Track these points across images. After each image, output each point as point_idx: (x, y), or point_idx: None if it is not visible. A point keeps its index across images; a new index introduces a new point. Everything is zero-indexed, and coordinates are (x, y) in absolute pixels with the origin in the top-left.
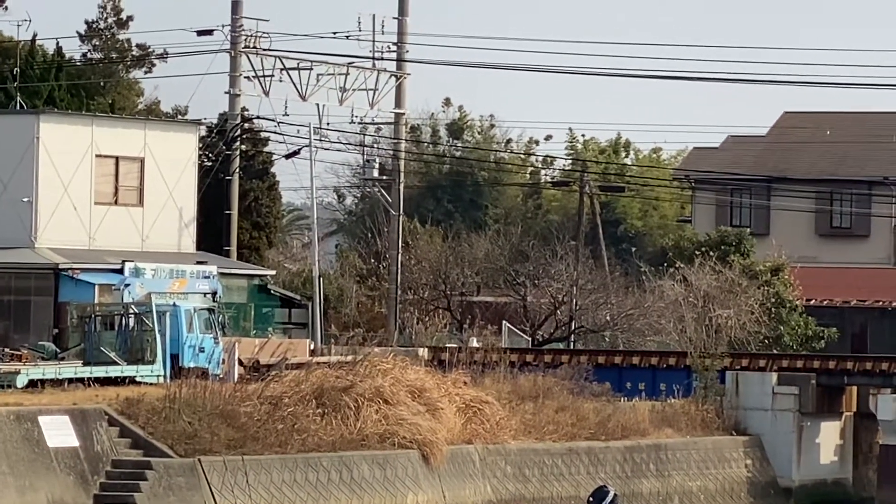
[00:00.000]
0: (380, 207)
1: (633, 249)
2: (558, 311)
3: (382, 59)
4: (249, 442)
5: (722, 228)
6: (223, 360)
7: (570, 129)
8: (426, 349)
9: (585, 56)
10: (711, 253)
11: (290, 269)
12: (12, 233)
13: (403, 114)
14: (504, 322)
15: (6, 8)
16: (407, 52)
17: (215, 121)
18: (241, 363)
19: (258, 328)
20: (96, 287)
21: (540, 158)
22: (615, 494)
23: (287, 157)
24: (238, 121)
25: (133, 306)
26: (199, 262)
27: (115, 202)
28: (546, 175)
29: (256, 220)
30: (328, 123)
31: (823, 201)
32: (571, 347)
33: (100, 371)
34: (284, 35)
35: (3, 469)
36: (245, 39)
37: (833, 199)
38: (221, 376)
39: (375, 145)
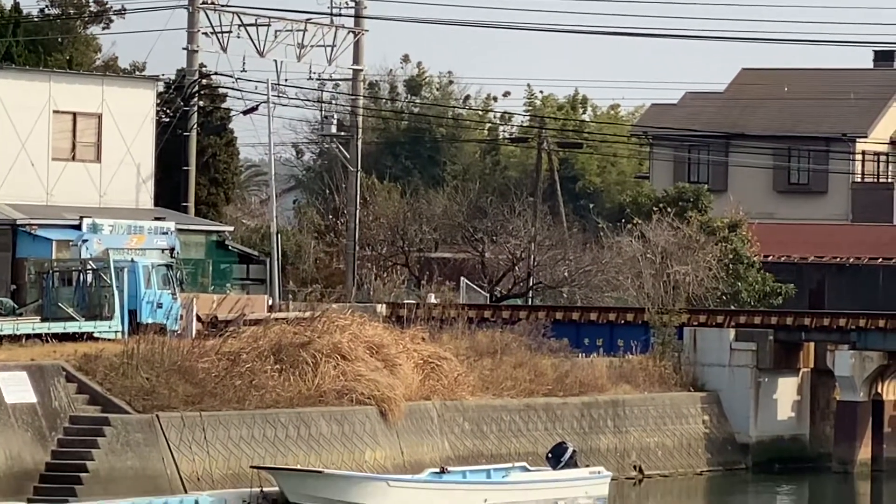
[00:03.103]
0: (338, 164)
1: (591, 206)
2: (516, 268)
3: (340, 15)
4: (207, 398)
5: (680, 185)
6: (181, 315)
7: (529, 86)
8: (384, 305)
9: (544, 13)
10: (669, 209)
11: (248, 225)
12: None
13: (361, 70)
14: (462, 278)
15: None
16: (365, 8)
17: (173, 77)
18: (199, 319)
19: (216, 284)
20: (54, 243)
21: (498, 115)
22: (573, 450)
23: (245, 113)
24: (196, 77)
25: (91, 262)
26: (156, 218)
27: (73, 158)
28: (504, 131)
29: (214, 177)
30: (286, 80)
31: (781, 158)
32: (529, 303)
33: (58, 327)
34: None
35: None
36: None
37: (791, 155)
38: (179, 332)
39: (333, 101)
